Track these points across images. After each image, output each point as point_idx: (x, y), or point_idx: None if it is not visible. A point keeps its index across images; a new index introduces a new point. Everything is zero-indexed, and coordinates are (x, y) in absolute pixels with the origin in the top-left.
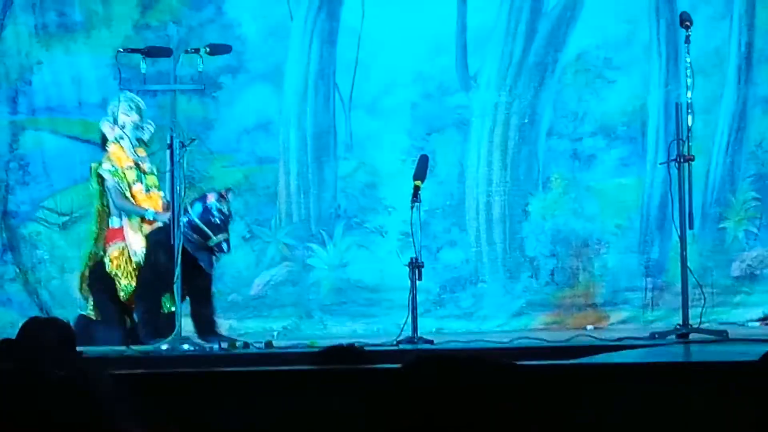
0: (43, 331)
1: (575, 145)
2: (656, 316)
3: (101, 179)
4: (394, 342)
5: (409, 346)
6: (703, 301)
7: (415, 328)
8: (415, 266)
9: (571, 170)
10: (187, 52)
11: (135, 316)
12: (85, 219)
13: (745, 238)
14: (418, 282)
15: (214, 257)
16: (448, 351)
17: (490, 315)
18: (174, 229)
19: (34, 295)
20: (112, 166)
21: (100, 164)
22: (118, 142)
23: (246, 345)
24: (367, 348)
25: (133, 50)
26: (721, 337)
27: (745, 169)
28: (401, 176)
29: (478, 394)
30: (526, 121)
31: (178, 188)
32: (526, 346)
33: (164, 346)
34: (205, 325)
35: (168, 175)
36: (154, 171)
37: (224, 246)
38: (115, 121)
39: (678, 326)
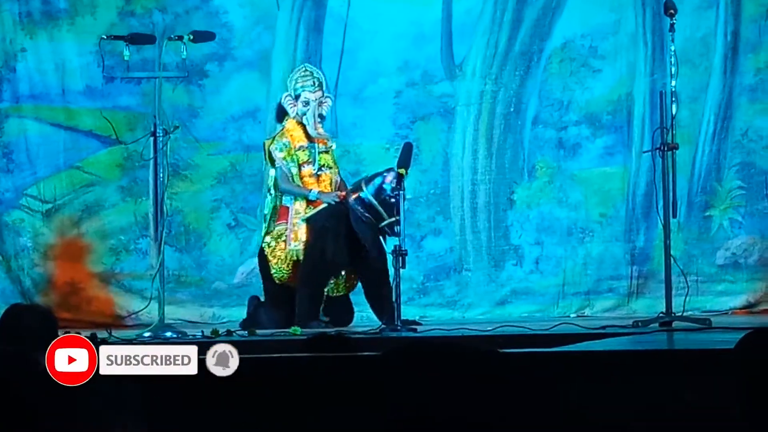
0: (24, 318)
1: (560, 134)
2: (641, 305)
3: (273, 157)
4: (377, 330)
5: (392, 334)
6: (686, 290)
7: (398, 316)
8: (399, 254)
9: (557, 159)
10: (170, 39)
11: (297, 298)
12: (69, 206)
13: (730, 226)
14: (401, 270)
15: (381, 239)
16: (430, 338)
17: (474, 303)
18: (158, 216)
19: (17, 282)
20: (285, 145)
21: (273, 141)
22: (299, 119)
23: (229, 332)
24: (349, 335)
25: (116, 37)
26: (704, 325)
27: (731, 157)
28: (385, 164)
29: (458, 382)
30: (511, 109)
31: (161, 176)
32: (510, 334)
33: (147, 334)
34: (380, 308)
35: (151, 162)
36: (331, 149)
37: (396, 228)
38: (297, 98)
39: (661, 314)
